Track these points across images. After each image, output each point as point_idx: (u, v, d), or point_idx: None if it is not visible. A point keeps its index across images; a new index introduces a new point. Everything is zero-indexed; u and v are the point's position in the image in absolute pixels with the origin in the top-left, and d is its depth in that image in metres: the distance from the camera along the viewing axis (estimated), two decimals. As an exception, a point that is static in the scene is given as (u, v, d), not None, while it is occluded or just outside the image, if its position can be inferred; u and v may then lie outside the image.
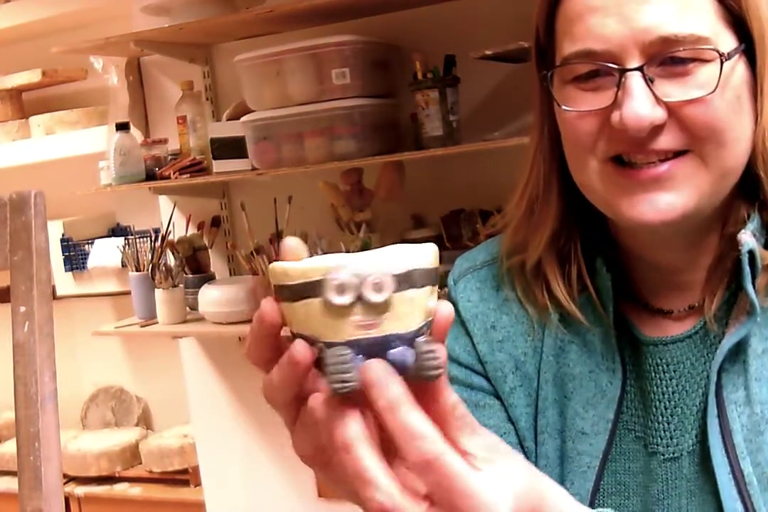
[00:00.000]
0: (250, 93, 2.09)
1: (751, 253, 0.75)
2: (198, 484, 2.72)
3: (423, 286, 0.52)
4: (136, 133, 2.37)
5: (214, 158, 2.18)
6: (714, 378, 0.76)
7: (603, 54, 0.72)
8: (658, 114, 0.72)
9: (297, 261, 0.52)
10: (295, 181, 2.20)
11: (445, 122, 1.92)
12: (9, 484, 2.96)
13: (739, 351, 0.76)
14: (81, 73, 2.83)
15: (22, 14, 2.72)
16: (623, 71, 0.71)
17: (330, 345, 0.51)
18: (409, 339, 0.52)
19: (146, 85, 2.53)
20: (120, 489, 2.91)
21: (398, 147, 2.05)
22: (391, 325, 0.51)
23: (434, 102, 1.92)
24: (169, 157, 2.31)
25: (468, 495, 0.49)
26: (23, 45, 2.88)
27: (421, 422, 0.49)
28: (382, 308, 0.51)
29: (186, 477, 2.82)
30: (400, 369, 0.51)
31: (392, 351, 0.51)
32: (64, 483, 2.73)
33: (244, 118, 2.07)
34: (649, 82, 0.71)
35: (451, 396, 0.52)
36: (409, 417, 0.49)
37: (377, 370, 0.50)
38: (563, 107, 0.75)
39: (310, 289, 0.51)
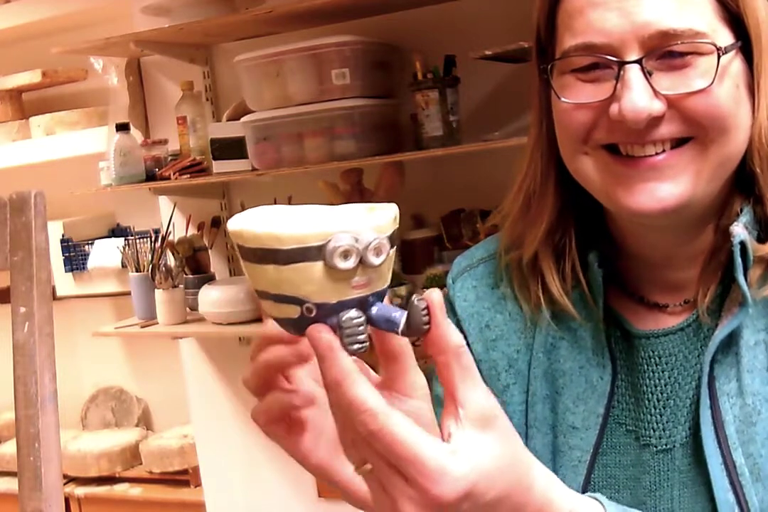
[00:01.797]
0: (250, 93, 2.09)
1: (742, 244, 0.75)
2: (198, 484, 2.72)
3: (396, 244, 0.56)
4: (136, 133, 2.37)
5: (214, 158, 2.18)
6: (707, 369, 0.77)
7: (603, 47, 0.73)
8: (656, 106, 0.72)
9: (271, 224, 0.53)
10: (295, 181, 2.20)
11: (445, 122, 1.93)
12: (9, 484, 2.96)
13: (731, 343, 0.77)
14: (81, 74, 2.83)
15: (22, 14, 2.72)
16: (622, 64, 0.72)
17: (321, 305, 0.53)
18: (383, 295, 0.55)
19: (146, 85, 2.53)
20: (120, 489, 2.91)
21: (398, 147, 2.05)
22: (378, 283, 0.54)
23: (434, 102, 1.92)
24: (169, 158, 2.31)
25: (416, 462, 0.52)
26: (23, 45, 2.88)
27: (366, 394, 0.52)
28: (375, 268, 0.54)
29: (186, 477, 2.82)
30: (392, 326, 0.54)
31: (389, 310, 0.55)
32: (64, 484, 2.73)
33: (244, 119, 2.07)
34: (647, 74, 0.72)
35: (452, 341, 0.55)
36: (353, 397, 0.52)
37: (324, 344, 0.53)
38: (562, 99, 0.76)
39: (306, 254, 0.52)
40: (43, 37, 2.73)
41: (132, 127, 2.35)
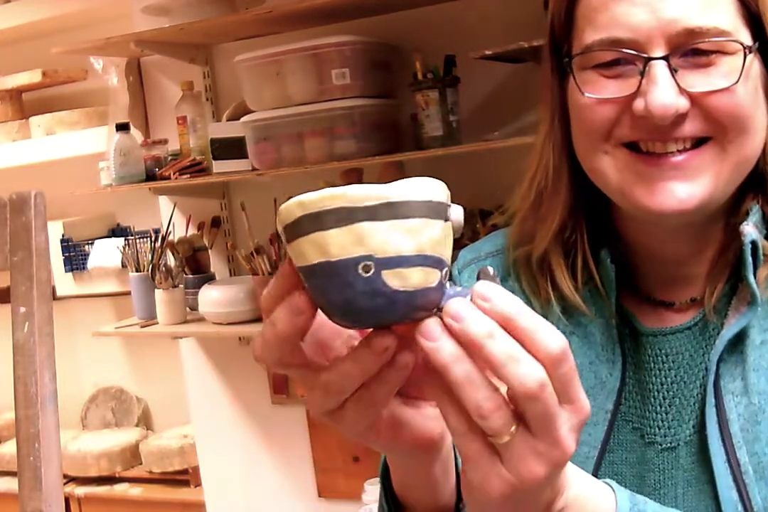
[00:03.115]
0: (250, 93, 2.09)
1: (754, 244, 0.76)
2: (198, 484, 2.72)
3: None
4: (136, 133, 2.37)
5: (214, 158, 2.18)
6: (713, 368, 0.77)
7: (628, 42, 0.73)
8: (682, 103, 0.72)
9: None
10: (295, 181, 2.20)
11: (445, 122, 1.93)
12: (9, 484, 2.96)
13: (737, 342, 0.77)
14: (81, 74, 2.83)
15: (22, 14, 2.72)
16: (649, 60, 0.72)
17: (449, 270, 0.52)
18: None
19: (146, 85, 2.53)
20: (120, 489, 2.92)
21: (398, 147, 2.05)
22: None
23: (434, 102, 1.92)
24: (169, 158, 2.31)
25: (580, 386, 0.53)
26: (23, 45, 2.89)
27: (542, 320, 0.52)
28: None
29: (186, 477, 2.83)
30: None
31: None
32: (64, 484, 2.73)
33: (244, 119, 2.07)
34: (673, 71, 0.72)
35: None
36: (535, 319, 0.51)
37: (489, 284, 0.52)
38: (586, 94, 0.76)
39: (449, 211, 0.51)
40: (43, 37, 2.73)
41: (132, 127, 2.35)
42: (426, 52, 1.99)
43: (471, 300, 0.51)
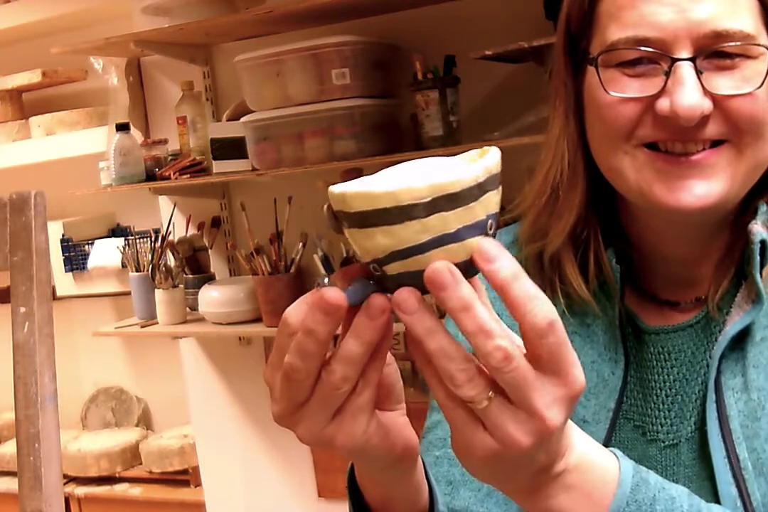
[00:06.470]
0: (250, 93, 2.09)
1: (762, 243, 0.76)
2: (198, 484, 2.72)
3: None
4: (136, 133, 2.37)
5: (214, 158, 2.18)
6: (715, 364, 0.77)
7: (654, 42, 0.73)
8: (707, 104, 0.73)
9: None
10: (295, 181, 2.21)
11: (445, 122, 1.93)
12: (9, 484, 2.96)
13: (739, 339, 0.78)
14: (81, 74, 2.83)
15: (22, 14, 2.72)
16: (675, 60, 0.72)
17: None
18: None
19: (146, 85, 2.53)
20: (120, 489, 2.92)
21: (398, 147, 2.05)
22: None
23: (434, 102, 1.92)
24: (169, 158, 2.31)
25: (573, 354, 0.53)
26: (23, 45, 2.88)
27: (534, 288, 0.52)
28: None
29: (186, 477, 2.83)
30: None
31: None
32: (65, 484, 2.73)
33: (244, 119, 2.07)
34: (698, 73, 0.73)
35: None
36: (526, 286, 0.52)
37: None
38: (611, 92, 0.76)
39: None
40: (43, 37, 2.73)
41: (132, 127, 2.35)
42: (426, 52, 1.99)
43: (475, 261, 0.53)
